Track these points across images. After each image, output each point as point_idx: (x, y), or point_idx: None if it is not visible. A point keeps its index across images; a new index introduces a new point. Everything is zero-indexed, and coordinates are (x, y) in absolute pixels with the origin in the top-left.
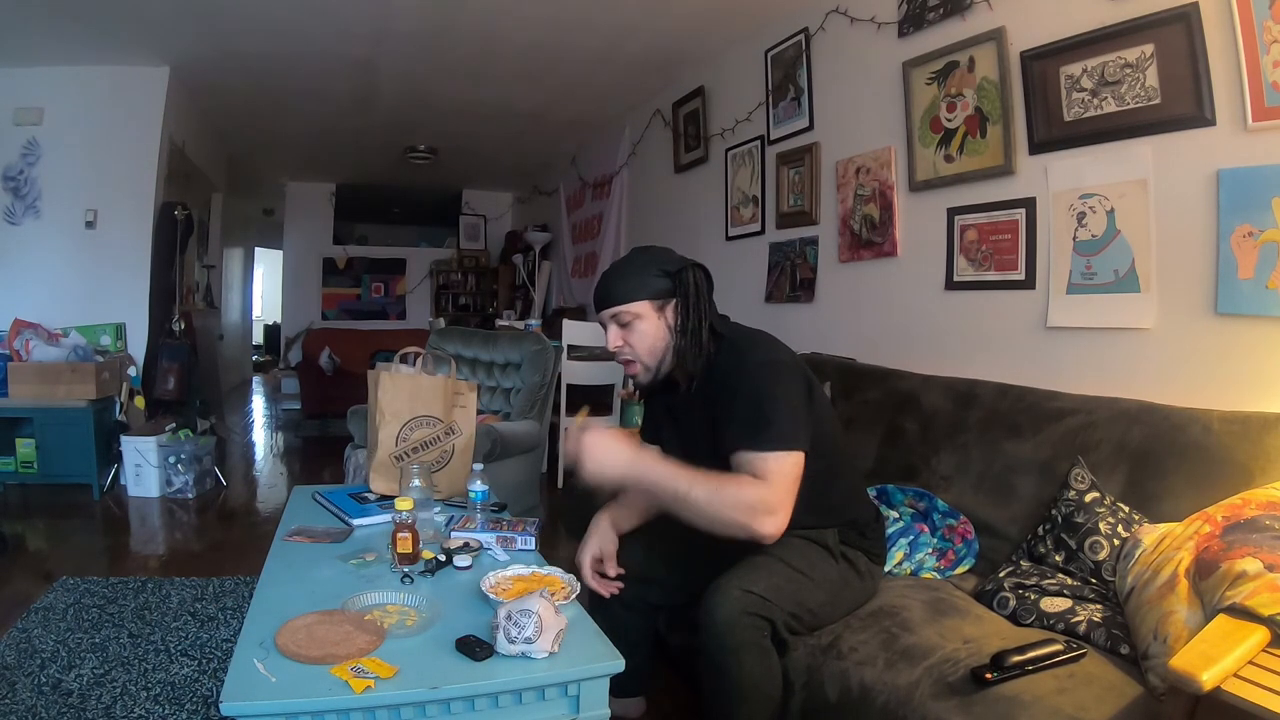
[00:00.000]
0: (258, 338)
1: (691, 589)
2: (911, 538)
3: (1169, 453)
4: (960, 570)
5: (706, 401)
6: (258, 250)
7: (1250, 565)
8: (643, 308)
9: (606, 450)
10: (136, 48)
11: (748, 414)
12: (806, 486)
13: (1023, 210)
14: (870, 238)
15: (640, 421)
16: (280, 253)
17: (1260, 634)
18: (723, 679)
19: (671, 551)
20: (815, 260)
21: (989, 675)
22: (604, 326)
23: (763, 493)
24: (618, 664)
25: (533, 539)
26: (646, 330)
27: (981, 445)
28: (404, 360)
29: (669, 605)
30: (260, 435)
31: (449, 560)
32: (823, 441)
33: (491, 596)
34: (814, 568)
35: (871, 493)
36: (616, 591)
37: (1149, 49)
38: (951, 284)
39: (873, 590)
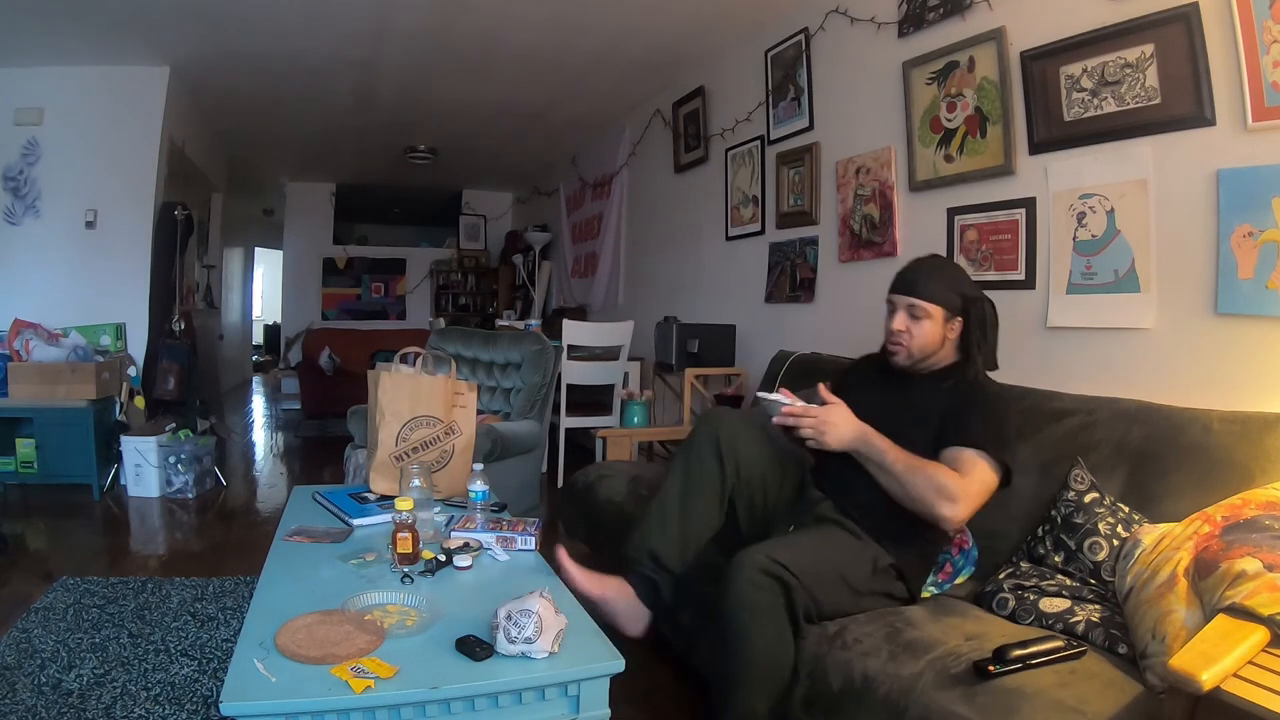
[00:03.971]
0: (258, 338)
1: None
2: None
3: (1169, 453)
4: (959, 581)
5: (931, 397)
6: (258, 250)
7: (1250, 565)
8: (936, 311)
9: (846, 422)
10: (136, 48)
11: (980, 423)
12: None
13: (1023, 210)
14: (870, 238)
15: (638, 421)
16: (280, 253)
17: (1260, 634)
18: (738, 640)
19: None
20: (815, 260)
21: (991, 668)
22: (892, 306)
23: (956, 481)
24: (618, 664)
25: (533, 539)
26: (928, 331)
27: None
28: (404, 360)
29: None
30: (260, 435)
31: (449, 560)
32: None
33: None
34: (848, 567)
35: None
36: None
37: (1149, 49)
38: None
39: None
